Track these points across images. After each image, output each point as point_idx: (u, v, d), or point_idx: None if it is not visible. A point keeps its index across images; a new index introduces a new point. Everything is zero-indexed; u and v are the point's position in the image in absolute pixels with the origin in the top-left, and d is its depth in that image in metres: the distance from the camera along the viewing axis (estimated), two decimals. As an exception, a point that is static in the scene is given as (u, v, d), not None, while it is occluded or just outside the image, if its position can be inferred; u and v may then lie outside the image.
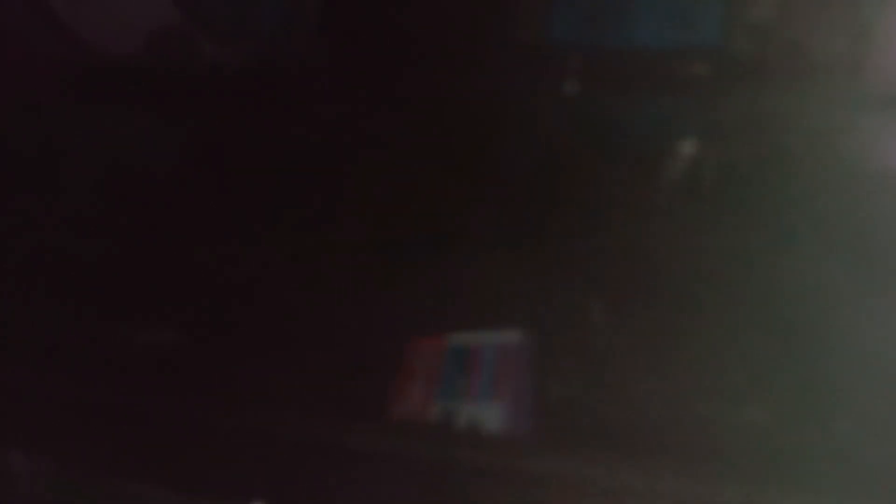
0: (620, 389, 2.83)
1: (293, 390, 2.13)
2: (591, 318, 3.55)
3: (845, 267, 3.65)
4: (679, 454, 2.22)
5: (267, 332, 2.78)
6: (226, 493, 1.52)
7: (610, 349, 3.09)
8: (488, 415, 1.92)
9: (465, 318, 2.71)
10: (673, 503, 1.80)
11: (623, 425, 2.72)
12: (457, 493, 1.60)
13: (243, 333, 2.69)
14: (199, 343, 2.60)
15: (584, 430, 2.44)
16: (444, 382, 2.07)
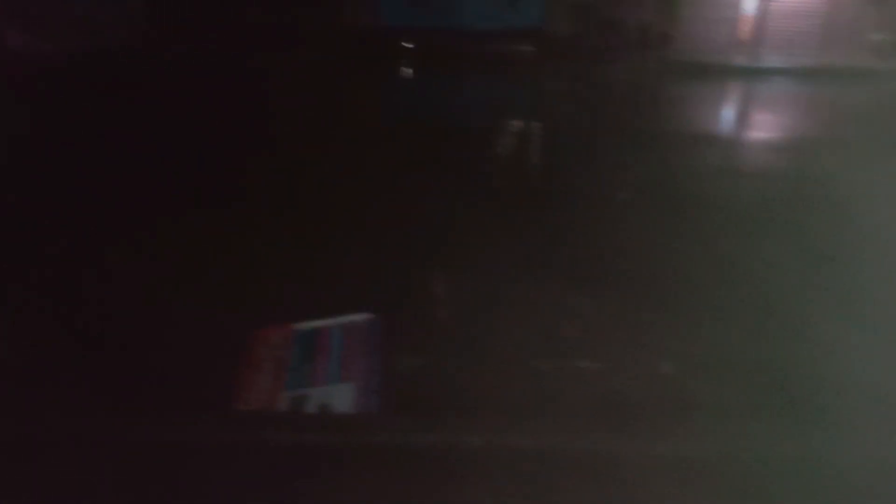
0: (464, 357, 2.93)
1: (139, 391, 2.02)
2: (431, 293, 3.65)
3: (655, 216, 4.06)
4: (517, 409, 2.35)
5: (107, 334, 2.60)
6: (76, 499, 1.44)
7: (451, 320, 3.19)
8: (338, 397, 1.93)
9: (310, 303, 2.68)
10: (515, 458, 1.92)
11: (467, 389, 2.82)
12: (310, 475, 1.60)
13: (84, 337, 2.50)
14: (34, 349, 2.40)
15: (430, 399, 2.52)
16: (292, 370, 2.05)
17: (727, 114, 13.11)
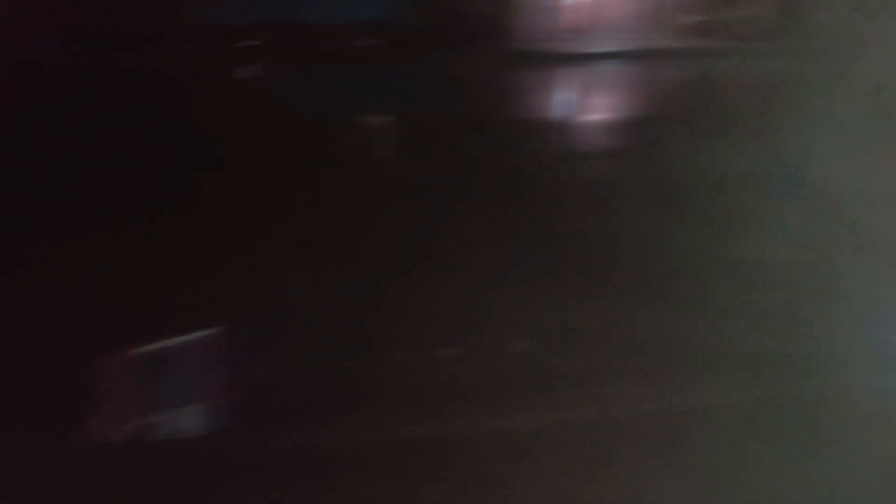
0: (319, 360, 2.95)
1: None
2: (291, 297, 3.63)
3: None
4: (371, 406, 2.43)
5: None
6: None
7: (312, 322, 3.19)
8: (186, 419, 1.91)
9: (160, 326, 2.60)
10: (390, 447, 2.02)
11: (324, 393, 2.86)
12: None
13: None
14: None
15: (288, 408, 2.53)
16: (139, 396, 1.99)
17: (558, 97, 13.77)
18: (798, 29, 16.37)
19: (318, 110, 10.64)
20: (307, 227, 4.99)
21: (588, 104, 12.83)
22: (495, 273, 4.91)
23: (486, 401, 3.38)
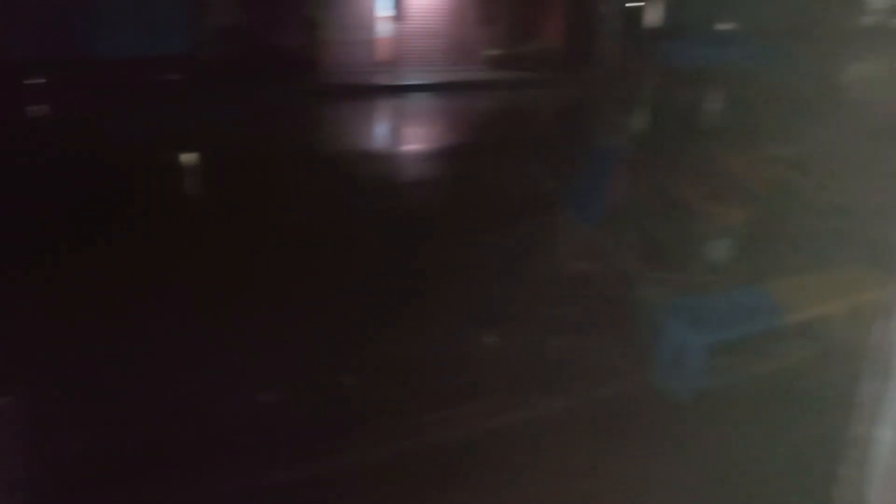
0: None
1: None
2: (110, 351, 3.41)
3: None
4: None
5: None
6: None
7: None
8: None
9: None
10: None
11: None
12: None
13: None
14: None
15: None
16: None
17: (377, 128, 14.07)
18: (586, 59, 17.82)
19: (118, 146, 9.96)
20: (113, 268, 4.71)
21: (401, 134, 13.19)
22: (314, 306, 4.92)
23: (314, 444, 3.33)
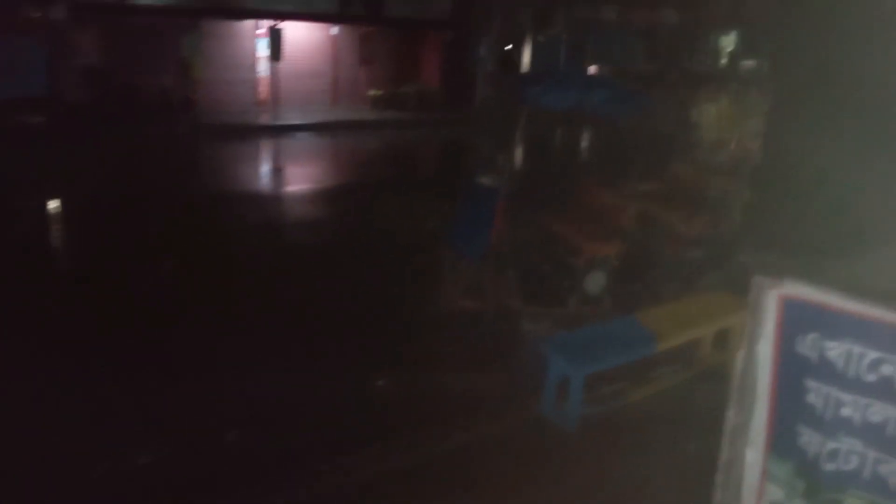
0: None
1: None
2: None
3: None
4: None
5: None
6: None
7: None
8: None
9: None
10: None
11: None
12: None
13: None
14: None
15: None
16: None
17: (259, 169, 13.78)
18: (464, 100, 18.32)
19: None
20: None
21: (281, 174, 12.96)
22: (189, 353, 4.71)
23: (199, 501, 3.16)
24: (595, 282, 5.72)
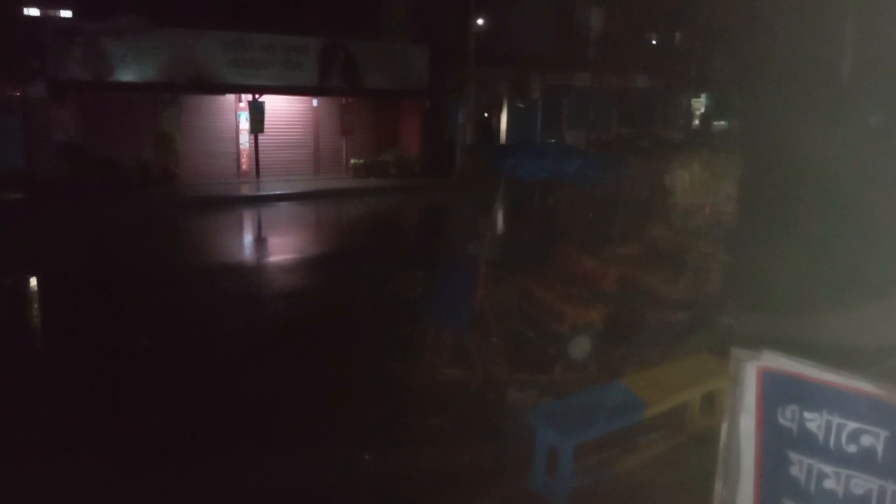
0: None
1: None
2: None
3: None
4: None
5: None
6: None
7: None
8: None
9: None
10: None
11: None
12: None
13: None
14: None
15: None
16: None
17: (241, 240, 13.82)
18: (444, 168, 18.63)
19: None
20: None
21: (264, 245, 13.00)
22: (167, 440, 4.60)
23: None
24: (580, 347, 5.71)
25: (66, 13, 16.27)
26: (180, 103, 17.12)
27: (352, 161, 19.79)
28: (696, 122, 24.09)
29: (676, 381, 4.91)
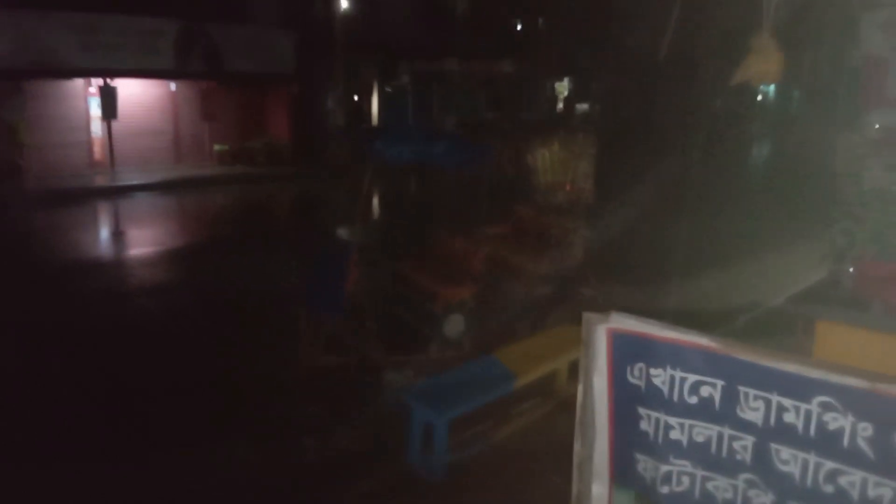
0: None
1: None
2: None
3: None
4: None
5: None
6: None
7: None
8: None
9: None
10: None
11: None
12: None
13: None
14: None
15: None
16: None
17: (98, 234, 12.95)
18: (312, 154, 18.29)
19: None
20: None
21: (121, 238, 12.24)
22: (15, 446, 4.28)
23: None
24: (454, 325, 5.83)
25: None
26: (23, 90, 15.73)
27: (216, 147, 18.98)
28: (560, 105, 25.03)
29: (544, 352, 5.14)
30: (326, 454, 4.60)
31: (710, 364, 1.73)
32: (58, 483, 4.02)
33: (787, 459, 1.63)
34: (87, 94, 16.93)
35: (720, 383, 1.72)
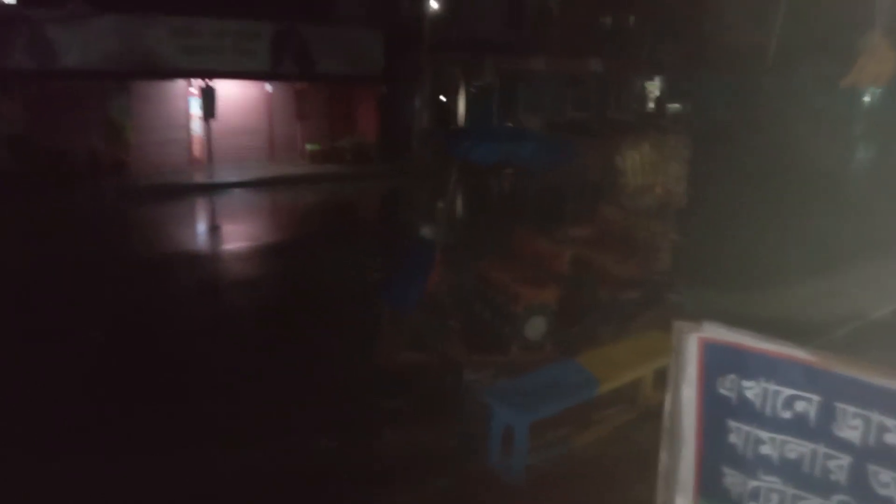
0: None
1: None
2: None
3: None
4: None
5: None
6: None
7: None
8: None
9: None
10: None
11: None
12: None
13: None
14: None
15: None
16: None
17: (196, 229, 13.56)
18: (400, 153, 18.54)
19: None
20: None
21: (219, 233, 12.78)
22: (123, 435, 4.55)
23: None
24: (535, 327, 5.78)
25: (9, 0, 15.69)
26: (129, 91, 16.67)
27: (308, 147, 19.55)
28: (651, 105, 24.41)
29: (628, 359, 5.03)
30: (405, 448, 4.68)
31: (806, 378, 1.66)
32: (175, 467, 4.25)
33: (888, 483, 1.55)
34: (187, 94, 17.74)
35: (816, 398, 1.65)
